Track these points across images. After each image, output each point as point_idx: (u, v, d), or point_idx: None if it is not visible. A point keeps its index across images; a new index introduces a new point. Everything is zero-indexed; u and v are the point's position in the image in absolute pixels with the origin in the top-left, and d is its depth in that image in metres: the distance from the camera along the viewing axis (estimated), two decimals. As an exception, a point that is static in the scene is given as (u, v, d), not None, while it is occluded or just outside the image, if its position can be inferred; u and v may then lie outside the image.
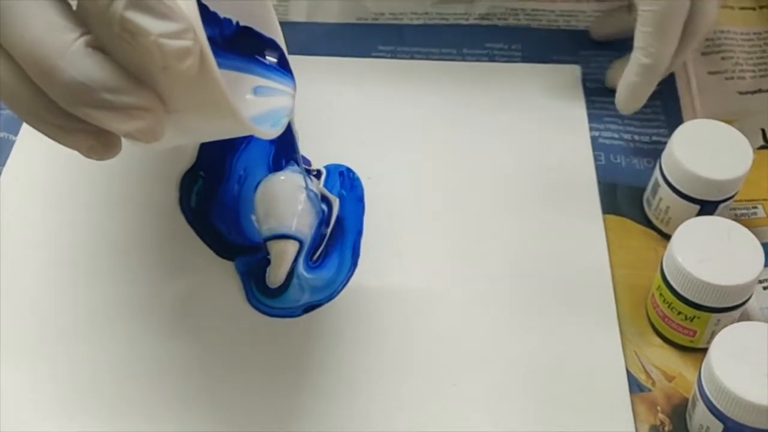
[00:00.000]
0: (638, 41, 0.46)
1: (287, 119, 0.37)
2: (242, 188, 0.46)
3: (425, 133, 0.48)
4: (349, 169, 0.47)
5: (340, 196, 0.46)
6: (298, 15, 0.55)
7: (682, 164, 0.42)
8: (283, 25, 0.38)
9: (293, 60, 0.39)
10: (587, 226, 0.45)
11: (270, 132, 0.36)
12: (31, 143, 0.48)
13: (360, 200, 0.46)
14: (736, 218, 0.43)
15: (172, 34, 0.28)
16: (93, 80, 0.28)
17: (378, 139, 0.48)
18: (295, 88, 0.38)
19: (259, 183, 0.44)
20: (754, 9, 0.56)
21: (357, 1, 0.55)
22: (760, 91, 0.52)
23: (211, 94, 0.30)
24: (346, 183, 0.47)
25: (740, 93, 0.52)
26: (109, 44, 0.29)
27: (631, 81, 0.47)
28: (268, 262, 0.43)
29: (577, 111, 0.50)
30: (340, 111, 0.49)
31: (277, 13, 0.38)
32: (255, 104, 0.37)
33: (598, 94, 0.50)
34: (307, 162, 0.47)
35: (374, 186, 0.46)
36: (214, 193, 0.46)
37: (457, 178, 0.47)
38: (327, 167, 0.47)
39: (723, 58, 0.53)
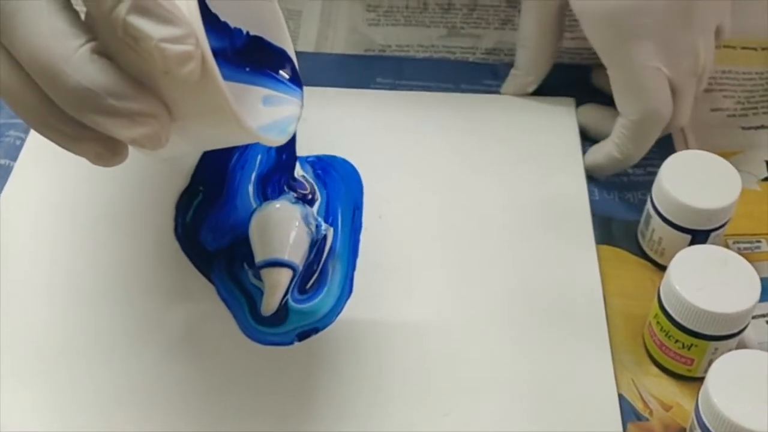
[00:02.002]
0: (615, 135, 0.47)
1: (294, 127, 0.37)
2: (242, 174, 0.47)
3: (421, 163, 0.49)
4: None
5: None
6: (306, 45, 0.56)
7: (672, 195, 0.42)
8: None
9: None
10: (580, 255, 0.45)
11: (276, 139, 0.36)
12: (28, 169, 0.48)
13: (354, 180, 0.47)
14: (739, 252, 0.43)
15: (173, 39, 0.28)
16: (98, 86, 0.29)
17: (374, 169, 0.48)
18: (302, 97, 0.39)
19: (254, 211, 0.45)
20: (755, 49, 0.56)
21: (364, 34, 0.56)
22: (763, 127, 0.52)
23: (214, 99, 0.30)
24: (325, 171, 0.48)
25: (743, 128, 0.52)
26: (115, 50, 0.29)
27: (599, 162, 0.48)
28: (248, 262, 0.43)
29: (572, 141, 0.50)
30: (336, 141, 0.49)
31: (288, 29, 0.39)
32: (264, 114, 0.37)
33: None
34: (302, 186, 0.47)
35: (370, 214, 0.47)
36: (214, 203, 0.46)
37: (452, 207, 0.47)
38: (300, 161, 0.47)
39: (725, 97, 0.54)
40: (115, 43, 0.29)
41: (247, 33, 0.38)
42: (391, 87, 0.53)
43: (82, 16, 0.31)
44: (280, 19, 0.38)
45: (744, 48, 0.56)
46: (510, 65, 0.52)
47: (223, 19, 0.37)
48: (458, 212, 0.47)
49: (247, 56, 0.38)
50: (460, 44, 0.55)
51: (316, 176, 0.48)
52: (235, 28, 0.38)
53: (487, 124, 0.51)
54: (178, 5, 0.29)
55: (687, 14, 0.44)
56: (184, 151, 0.37)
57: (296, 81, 0.39)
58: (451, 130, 0.50)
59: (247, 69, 0.38)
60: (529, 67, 0.51)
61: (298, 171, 0.48)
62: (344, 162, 0.49)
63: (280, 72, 0.39)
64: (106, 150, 0.31)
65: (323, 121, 0.50)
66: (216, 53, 0.30)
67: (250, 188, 0.47)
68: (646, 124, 0.46)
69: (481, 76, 0.54)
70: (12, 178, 0.48)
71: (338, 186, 0.48)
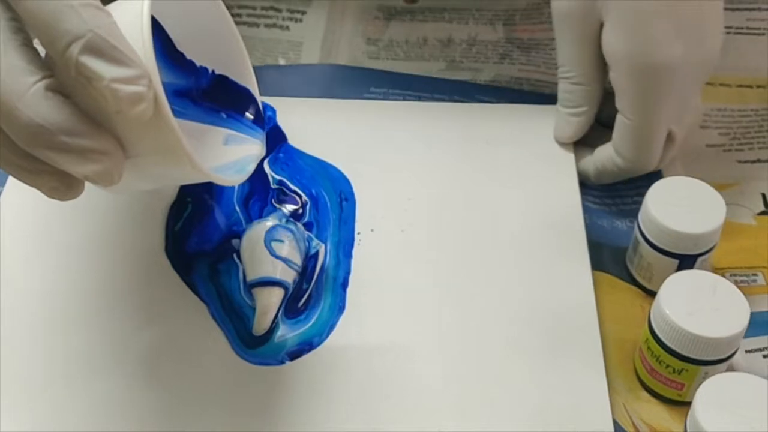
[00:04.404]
0: (615, 142, 0.48)
1: (253, 166, 0.38)
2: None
3: (414, 176, 0.49)
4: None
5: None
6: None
7: (658, 220, 0.43)
8: (282, 67, 0.39)
9: (283, 101, 0.38)
10: (574, 270, 0.45)
11: (234, 179, 0.37)
12: (18, 189, 0.47)
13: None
14: (736, 285, 0.43)
15: (125, 80, 0.29)
16: (50, 123, 0.29)
17: (367, 182, 0.48)
18: (264, 138, 0.40)
19: (245, 229, 0.45)
20: (751, 87, 0.57)
21: (366, 66, 0.57)
22: (759, 161, 0.53)
23: (166, 139, 0.31)
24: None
25: (739, 162, 0.53)
26: (70, 88, 0.30)
27: (598, 170, 0.49)
28: (233, 269, 0.44)
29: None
30: (328, 152, 0.50)
31: (290, 59, 0.40)
32: (224, 153, 0.38)
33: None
34: (294, 201, 0.47)
35: (362, 228, 0.47)
36: (203, 215, 0.47)
37: (446, 221, 0.47)
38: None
39: (720, 134, 0.54)
40: (71, 81, 0.30)
41: (213, 72, 0.39)
42: (384, 96, 0.54)
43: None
44: (246, 59, 0.39)
45: (739, 86, 0.57)
46: (507, 90, 0.53)
47: (189, 57, 0.38)
48: (452, 227, 0.47)
49: (213, 96, 0.39)
50: (458, 77, 0.56)
51: (276, 159, 0.49)
52: (201, 66, 0.39)
53: (481, 135, 0.51)
54: (132, 46, 0.30)
55: (704, 73, 0.46)
56: (138, 188, 0.37)
57: (259, 120, 0.40)
58: (444, 141, 0.51)
59: (212, 109, 0.39)
60: (577, 99, 0.49)
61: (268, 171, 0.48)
62: (310, 156, 0.49)
63: (244, 112, 0.40)
64: (60, 184, 0.32)
65: (315, 132, 0.50)
66: (182, 93, 0.30)
67: (235, 198, 0.47)
68: (636, 171, 0.48)
69: (474, 91, 0.55)
70: (3, 197, 0.48)
71: (303, 170, 0.48)
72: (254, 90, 0.39)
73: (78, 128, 0.30)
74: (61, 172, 0.31)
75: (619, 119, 0.47)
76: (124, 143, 0.31)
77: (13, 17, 0.31)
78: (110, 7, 0.32)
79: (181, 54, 0.38)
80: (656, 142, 0.47)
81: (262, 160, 0.47)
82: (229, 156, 0.38)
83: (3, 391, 0.41)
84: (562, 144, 0.50)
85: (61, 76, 0.30)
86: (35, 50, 0.31)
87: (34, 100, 0.30)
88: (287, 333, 0.42)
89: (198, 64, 0.39)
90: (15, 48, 0.30)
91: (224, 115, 0.39)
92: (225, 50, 0.39)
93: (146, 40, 0.30)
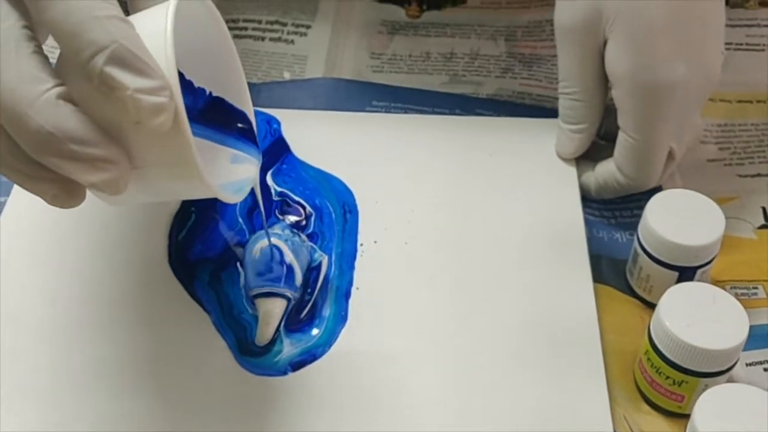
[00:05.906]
0: (616, 159, 0.48)
1: (249, 188, 0.39)
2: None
3: (416, 188, 0.49)
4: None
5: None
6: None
7: (657, 232, 0.43)
8: (285, 82, 0.39)
9: (288, 113, 0.38)
10: (576, 283, 0.45)
11: (233, 197, 0.37)
12: (22, 200, 0.48)
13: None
14: (737, 297, 0.44)
15: (148, 91, 0.29)
16: (60, 131, 0.30)
17: (370, 194, 0.49)
18: (261, 159, 0.40)
19: (248, 240, 0.45)
20: (751, 102, 0.57)
21: (370, 80, 0.57)
22: (759, 175, 0.53)
23: (180, 152, 0.31)
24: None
25: (740, 176, 0.53)
26: (84, 97, 0.30)
27: (599, 185, 0.49)
28: (234, 278, 0.44)
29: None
30: (331, 165, 0.50)
31: (294, 73, 0.40)
32: (225, 172, 0.38)
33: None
34: (297, 212, 0.48)
35: (365, 240, 0.47)
36: (207, 225, 0.47)
37: (448, 233, 0.47)
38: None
39: (720, 149, 0.54)
40: (85, 89, 0.30)
41: (210, 93, 0.39)
42: (386, 110, 0.54)
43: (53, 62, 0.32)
44: (243, 82, 0.39)
45: (740, 101, 0.57)
46: (508, 104, 0.53)
47: (188, 77, 0.38)
48: (454, 238, 0.47)
49: (209, 116, 0.39)
50: (461, 91, 0.57)
51: (279, 170, 0.49)
52: (198, 87, 0.39)
53: (483, 148, 0.51)
54: (155, 59, 0.30)
55: (705, 92, 0.46)
56: (140, 200, 0.37)
57: (254, 143, 0.40)
58: (447, 153, 0.51)
59: (209, 129, 0.39)
60: (579, 115, 0.49)
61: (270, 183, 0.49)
62: (313, 168, 0.50)
63: (240, 134, 0.40)
64: (62, 192, 0.32)
65: (319, 144, 0.51)
66: None
67: (238, 210, 0.48)
68: (637, 188, 0.48)
69: (475, 105, 0.55)
70: (6, 209, 0.48)
71: (307, 181, 0.49)
72: (250, 113, 0.40)
73: (88, 137, 0.30)
74: (64, 180, 0.31)
75: (621, 137, 0.47)
76: (134, 153, 0.32)
77: (26, 25, 0.31)
78: (130, 19, 0.32)
79: (181, 74, 0.38)
80: (658, 161, 0.47)
81: (266, 171, 0.47)
82: (229, 175, 0.38)
83: (4, 398, 0.41)
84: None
85: (74, 84, 0.31)
86: (46, 58, 0.31)
87: (45, 107, 0.30)
88: (290, 344, 0.43)
89: (196, 84, 0.39)
90: (27, 55, 0.31)
91: (222, 136, 0.39)
92: (224, 72, 0.39)
93: (169, 53, 0.31)
